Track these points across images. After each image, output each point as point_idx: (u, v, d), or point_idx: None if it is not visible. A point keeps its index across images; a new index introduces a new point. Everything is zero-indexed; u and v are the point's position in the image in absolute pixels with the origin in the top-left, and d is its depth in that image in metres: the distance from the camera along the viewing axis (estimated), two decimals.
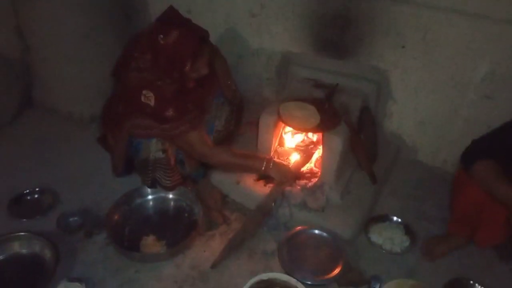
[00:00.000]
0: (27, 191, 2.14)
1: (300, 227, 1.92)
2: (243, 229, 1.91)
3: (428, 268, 1.82)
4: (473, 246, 1.86)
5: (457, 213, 1.85)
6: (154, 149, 1.88)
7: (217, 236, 1.95)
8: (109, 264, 1.81)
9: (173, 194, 2.08)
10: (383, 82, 2.25)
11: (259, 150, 2.15)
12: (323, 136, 1.99)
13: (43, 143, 2.50)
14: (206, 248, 1.89)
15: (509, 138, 1.58)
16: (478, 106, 2.07)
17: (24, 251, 1.83)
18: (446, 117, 2.19)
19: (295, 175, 2.06)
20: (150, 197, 2.09)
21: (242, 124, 2.35)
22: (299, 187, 2.03)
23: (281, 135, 2.22)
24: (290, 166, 2.09)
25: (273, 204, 1.96)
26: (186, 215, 2.04)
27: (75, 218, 2.00)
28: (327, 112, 2.00)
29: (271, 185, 2.04)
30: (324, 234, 1.90)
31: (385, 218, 2.02)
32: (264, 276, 1.65)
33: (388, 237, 1.92)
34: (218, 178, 2.16)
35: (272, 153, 2.15)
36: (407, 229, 1.96)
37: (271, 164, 1.95)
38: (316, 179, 2.06)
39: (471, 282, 1.74)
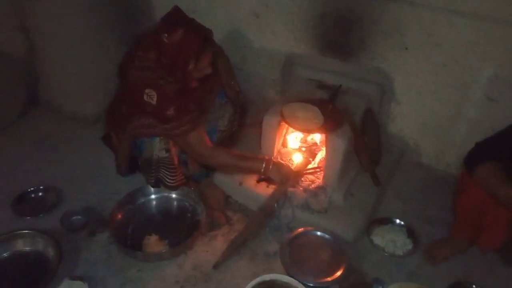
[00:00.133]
0: (31, 189, 2.15)
1: (302, 229, 1.92)
2: (245, 230, 1.91)
3: (431, 271, 1.82)
4: (475, 250, 1.85)
5: (460, 216, 1.84)
6: (157, 148, 1.88)
7: (220, 236, 1.96)
8: (112, 263, 1.82)
9: (176, 194, 2.09)
10: (386, 83, 2.25)
11: (262, 150, 2.15)
12: (326, 137, 1.98)
13: (47, 142, 2.52)
14: (209, 249, 1.90)
15: None
16: (481, 109, 2.07)
17: (27, 249, 1.84)
18: (450, 120, 2.19)
19: (297, 175, 2.06)
20: (153, 196, 2.10)
21: (245, 125, 2.35)
22: (301, 188, 2.03)
23: (285, 136, 2.22)
24: (291, 167, 2.09)
25: (275, 205, 1.96)
26: (189, 215, 2.04)
27: (79, 217, 2.01)
28: (331, 114, 2.00)
29: (273, 186, 2.04)
30: (327, 235, 1.89)
31: (387, 221, 2.01)
32: (266, 277, 1.65)
33: (391, 240, 1.91)
34: (220, 179, 2.16)
35: (275, 154, 2.15)
36: (410, 232, 1.96)
37: (271, 165, 1.95)
38: (320, 178, 2.05)
39: (474, 286, 1.73)
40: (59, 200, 2.11)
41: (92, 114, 2.66)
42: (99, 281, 1.74)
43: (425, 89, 2.17)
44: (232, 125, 2.14)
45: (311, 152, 2.21)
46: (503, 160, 1.55)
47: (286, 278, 1.65)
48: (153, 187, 2.04)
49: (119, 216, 1.97)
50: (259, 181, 2.08)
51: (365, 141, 2.08)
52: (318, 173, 2.10)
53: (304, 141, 2.28)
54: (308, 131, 2.06)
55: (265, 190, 2.04)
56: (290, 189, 2.01)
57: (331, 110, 2.03)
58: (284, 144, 2.24)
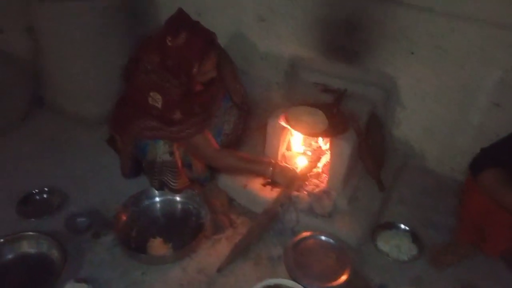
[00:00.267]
0: (36, 191, 2.15)
1: (306, 233, 1.91)
2: (249, 234, 1.91)
3: (435, 276, 1.81)
4: (480, 255, 1.85)
5: (465, 222, 1.83)
6: (161, 151, 1.88)
7: (224, 240, 1.95)
8: (116, 265, 1.82)
9: (180, 197, 2.09)
10: (391, 88, 2.25)
11: (267, 154, 2.15)
12: (331, 141, 1.98)
13: (52, 143, 2.52)
14: (213, 252, 1.90)
15: None
16: (487, 114, 2.06)
17: (32, 250, 1.84)
18: (455, 125, 2.18)
19: (302, 179, 2.05)
20: (157, 199, 2.10)
21: (250, 128, 2.35)
22: (306, 192, 2.03)
23: (289, 140, 2.22)
24: (296, 170, 2.09)
25: (279, 208, 1.96)
26: (193, 218, 2.04)
27: (83, 219, 2.01)
28: (335, 118, 2.00)
29: (278, 189, 2.04)
30: (331, 240, 1.89)
31: (392, 226, 2.01)
32: (270, 281, 1.65)
33: (395, 245, 1.91)
34: (225, 182, 2.16)
35: (279, 157, 2.15)
36: (414, 237, 1.95)
37: (277, 169, 1.95)
38: (324, 182, 2.05)
39: None
40: (63, 202, 2.11)
41: (97, 116, 2.66)
42: (103, 284, 1.74)
43: (430, 94, 2.17)
44: (237, 128, 2.14)
45: (315, 156, 2.21)
46: (508, 165, 1.54)
47: (290, 283, 1.65)
48: (157, 189, 2.05)
49: (124, 218, 1.97)
50: (265, 184, 2.08)
51: (369, 146, 2.07)
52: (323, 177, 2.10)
53: (308, 145, 2.27)
54: (312, 135, 2.06)
55: (269, 193, 2.04)
56: (295, 193, 2.01)
57: (336, 114, 2.03)
58: (289, 148, 2.24)
